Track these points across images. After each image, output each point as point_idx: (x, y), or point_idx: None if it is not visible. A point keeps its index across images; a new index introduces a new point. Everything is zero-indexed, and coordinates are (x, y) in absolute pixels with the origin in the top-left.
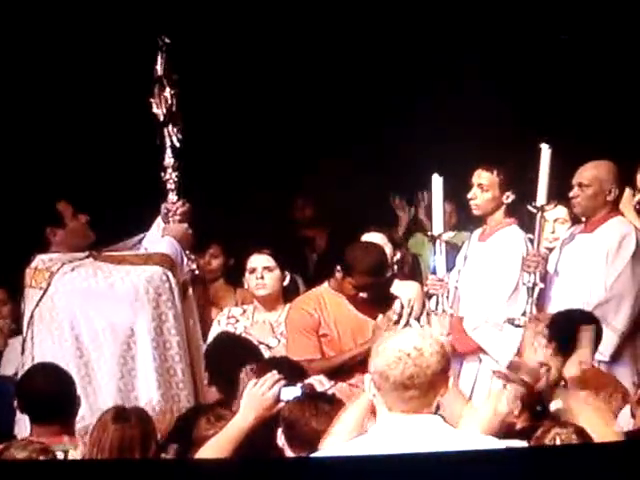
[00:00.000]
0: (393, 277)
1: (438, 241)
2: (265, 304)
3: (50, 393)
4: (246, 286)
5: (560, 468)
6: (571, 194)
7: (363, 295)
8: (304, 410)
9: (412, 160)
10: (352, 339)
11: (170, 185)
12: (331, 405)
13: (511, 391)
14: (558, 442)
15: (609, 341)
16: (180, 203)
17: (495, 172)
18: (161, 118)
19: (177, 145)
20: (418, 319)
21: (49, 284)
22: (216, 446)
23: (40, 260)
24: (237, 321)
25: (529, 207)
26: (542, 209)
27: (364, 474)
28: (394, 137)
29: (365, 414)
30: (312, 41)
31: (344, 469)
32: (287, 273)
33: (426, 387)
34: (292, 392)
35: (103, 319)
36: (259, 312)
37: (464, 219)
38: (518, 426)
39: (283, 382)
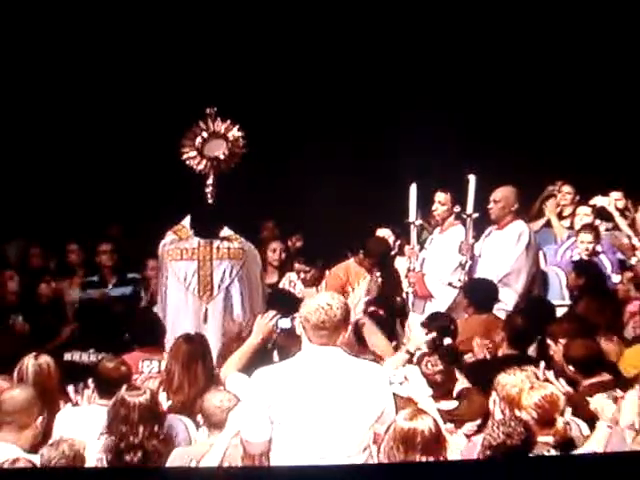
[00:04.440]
0: (395, 256)
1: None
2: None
3: (152, 326)
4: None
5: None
6: (489, 206)
7: (376, 269)
8: (289, 341)
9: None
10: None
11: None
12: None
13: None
14: (430, 367)
15: (511, 298)
16: None
17: (449, 193)
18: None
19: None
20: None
21: (244, 260)
22: (238, 355)
23: (220, 241)
24: (295, 285)
25: (462, 215)
26: (470, 216)
27: None
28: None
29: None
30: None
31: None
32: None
33: (332, 329)
34: (285, 323)
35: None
36: None
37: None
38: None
39: (279, 316)
